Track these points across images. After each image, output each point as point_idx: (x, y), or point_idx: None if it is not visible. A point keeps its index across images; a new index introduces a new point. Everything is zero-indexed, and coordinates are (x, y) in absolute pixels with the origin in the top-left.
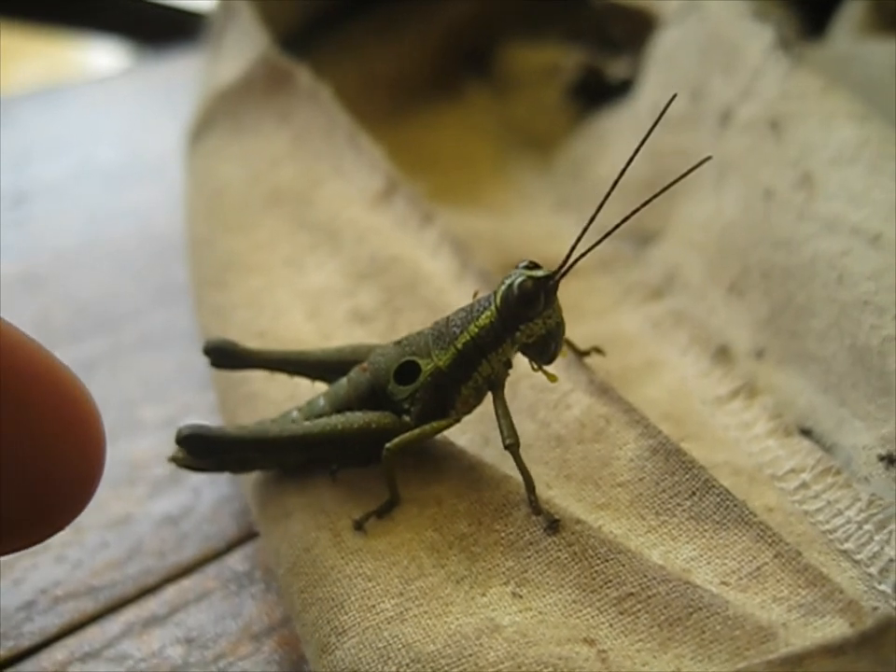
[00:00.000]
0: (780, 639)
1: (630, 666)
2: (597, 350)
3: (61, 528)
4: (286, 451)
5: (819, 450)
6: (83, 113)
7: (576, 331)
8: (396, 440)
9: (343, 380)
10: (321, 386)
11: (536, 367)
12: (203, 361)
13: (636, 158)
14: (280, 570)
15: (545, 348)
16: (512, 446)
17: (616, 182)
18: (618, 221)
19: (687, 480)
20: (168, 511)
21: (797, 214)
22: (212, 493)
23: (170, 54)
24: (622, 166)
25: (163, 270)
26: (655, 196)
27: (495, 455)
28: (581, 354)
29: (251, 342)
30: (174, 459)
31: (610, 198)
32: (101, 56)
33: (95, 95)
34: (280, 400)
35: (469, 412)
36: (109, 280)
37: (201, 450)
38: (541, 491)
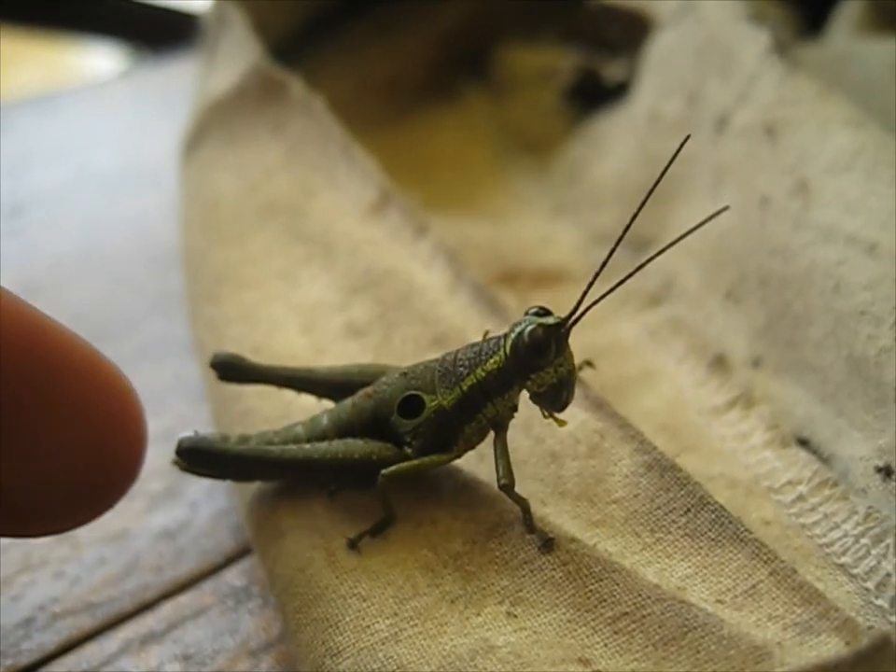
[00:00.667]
0: (775, 659)
1: None
2: (589, 364)
3: (107, 509)
4: (285, 471)
5: (817, 461)
6: (80, 119)
7: (573, 340)
8: (393, 467)
9: (348, 402)
10: (320, 404)
11: (546, 414)
12: (200, 373)
13: (630, 163)
14: (275, 590)
15: (557, 397)
16: (507, 486)
17: (626, 229)
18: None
19: (682, 496)
20: (165, 526)
21: (793, 222)
22: (209, 507)
23: (168, 58)
24: (618, 170)
25: (161, 279)
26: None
27: (489, 472)
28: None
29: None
30: (176, 463)
31: (608, 203)
32: (98, 60)
33: (92, 101)
34: (274, 418)
35: (471, 448)
36: (106, 289)
37: (200, 463)
38: (536, 508)
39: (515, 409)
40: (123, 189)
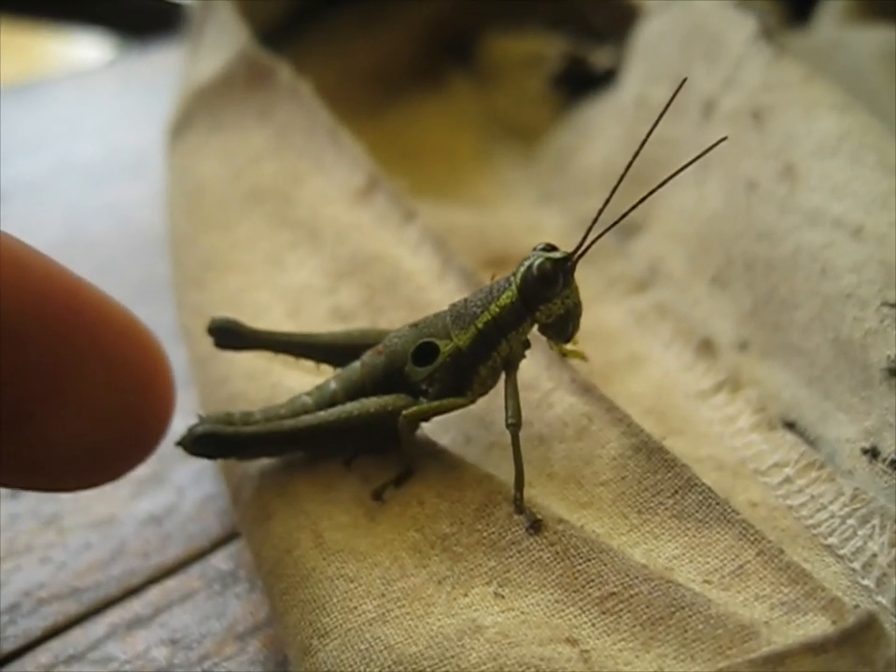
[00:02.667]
0: (762, 638)
1: (612, 666)
2: (582, 357)
3: (138, 464)
4: (301, 442)
5: (803, 444)
6: (64, 108)
7: None
8: (413, 408)
9: (356, 363)
10: (309, 381)
11: (553, 345)
12: (186, 359)
13: (618, 149)
14: (261, 573)
15: (564, 327)
16: (514, 426)
17: (625, 171)
18: (609, 211)
19: (669, 478)
20: (151, 511)
21: (779, 205)
22: (196, 492)
23: (152, 47)
24: (605, 157)
25: (145, 266)
26: (661, 185)
27: (477, 454)
28: (563, 354)
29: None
30: (181, 444)
31: (595, 190)
32: (84, 49)
33: (76, 89)
34: (260, 401)
35: (485, 392)
36: (90, 277)
37: (214, 449)
38: (524, 490)
39: (527, 345)
40: (107, 177)
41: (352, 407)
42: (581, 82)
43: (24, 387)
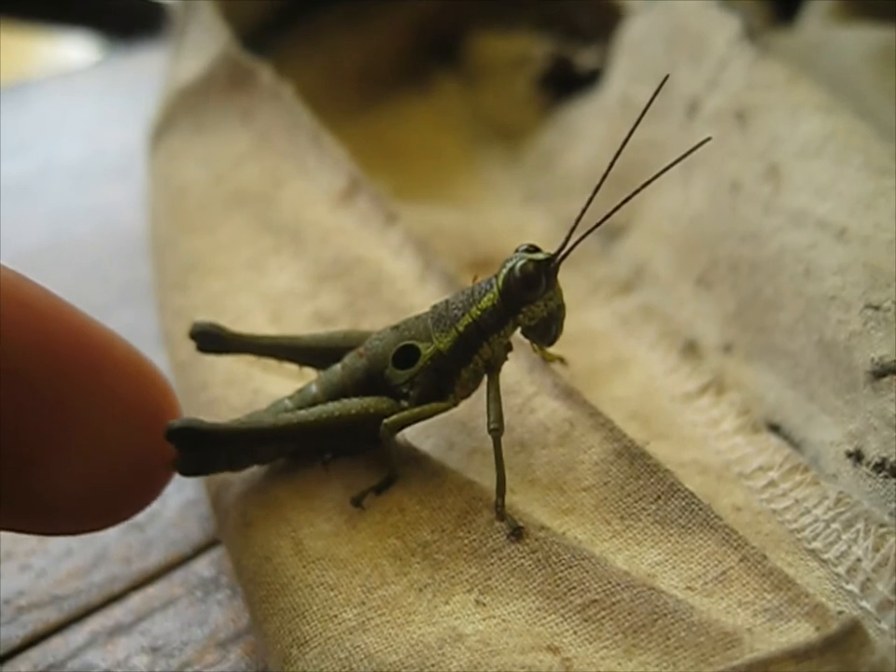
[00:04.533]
0: (745, 645)
1: None
2: (561, 360)
3: (144, 507)
4: (280, 441)
5: (787, 447)
6: (48, 109)
7: None
8: (394, 417)
9: (337, 366)
10: (291, 386)
11: (537, 349)
12: (167, 363)
13: (603, 150)
14: (242, 580)
15: (547, 330)
16: (496, 431)
17: (608, 171)
18: (593, 213)
19: (652, 483)
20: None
21: (763, 207)
22: (178, 498)
23: (137, 48)
24: (590, 157)
25: (129, 268)
26: (645, 185)
27: (458, 460)
28: (546, 359)
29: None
30: (170, 465)
31: (580, 191)
32: (67, 50)
33: (60, 91)
34: (240, 407)
35: (467, 395)
36: (74, 279)
37: (192, 444)
38: (505, 496)
39: (510, 348)
40: (91, 179)
41: (333, 407)
42: (567, 83)
43: (29, 429)
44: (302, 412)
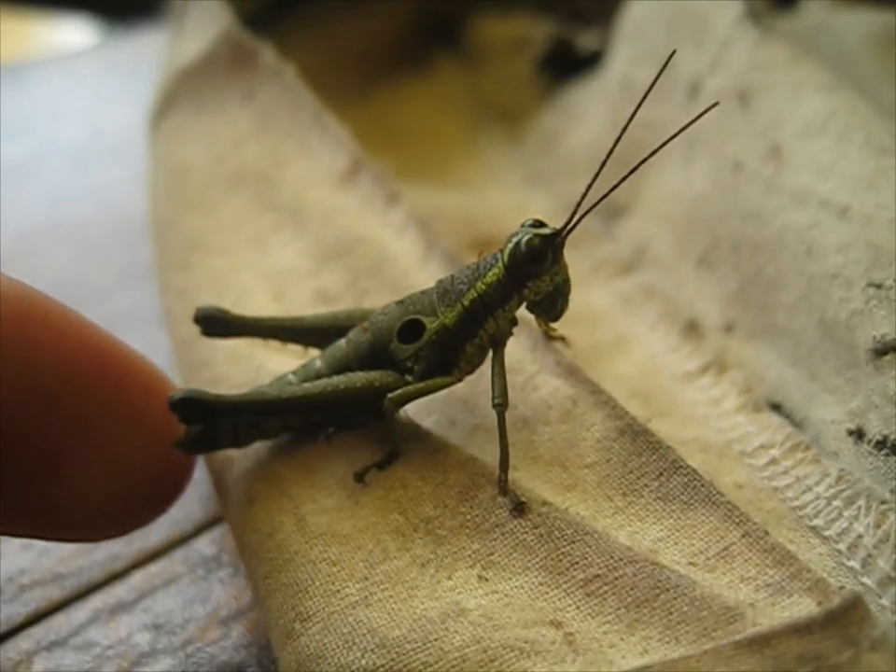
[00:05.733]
0: (747, 619)
1: (597, 649)
2: (563, 339)
3: (161, 514)
4: (284, 414)
5: (789, 425)
6: (48, 91)
7: None
8: (398, 391)
9: (342, 341)
10: (293, 364)
11: (542, 324)
12: (169, 342)
13: (604, 131)
14: (244, 557)
15: (552, 305)
16: (500, 406)
17: (611, 151)
18: (595, 194)
19: (654, 460)
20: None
21: (766, 186)
22: None
23: (137, 30)
24: (591, 139)
25: (129, 250)
26: (650, 156)
27: (461, 437)
28: (548, 337)
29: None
30: (177, 444)
31: (581, 172)
32: (67, 32)
33: (60, 72)
34: (242, 384)
35: (471, 371)
36: (74, 261)
37: (195, 415)
38: (508, 472)
39: (515, 323)
40: (92, 160)
41: (338, 380)
42: (568, 65)
43: (53, 443)
44: (307, 384)
